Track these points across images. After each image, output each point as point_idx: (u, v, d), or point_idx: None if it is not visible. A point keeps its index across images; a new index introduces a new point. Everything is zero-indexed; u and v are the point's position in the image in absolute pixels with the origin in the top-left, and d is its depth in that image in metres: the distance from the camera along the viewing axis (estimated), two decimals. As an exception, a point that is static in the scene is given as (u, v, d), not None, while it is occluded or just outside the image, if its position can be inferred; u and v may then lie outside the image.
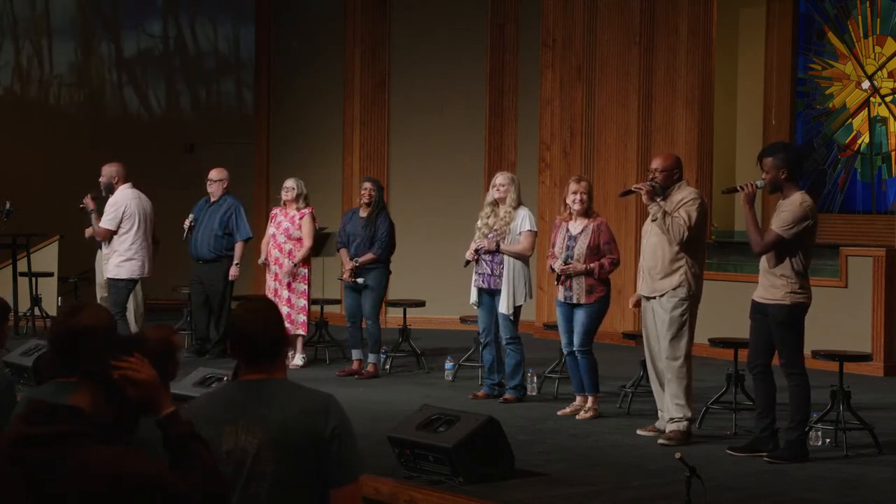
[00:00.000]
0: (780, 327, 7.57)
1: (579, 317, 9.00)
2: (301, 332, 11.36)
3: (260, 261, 11.62)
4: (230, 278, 11.71)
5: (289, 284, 11.23)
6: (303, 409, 3.58)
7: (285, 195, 11.36)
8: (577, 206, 9.06)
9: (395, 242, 11.06)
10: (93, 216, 11.25)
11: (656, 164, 8.30)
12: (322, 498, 3.55)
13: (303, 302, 11.30)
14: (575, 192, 9.06)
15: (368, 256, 10.80)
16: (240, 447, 3.54)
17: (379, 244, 10.82)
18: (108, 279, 11.20)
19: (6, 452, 3.05)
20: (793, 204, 7.57)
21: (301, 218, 11.28)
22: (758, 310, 7.71)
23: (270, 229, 11.41)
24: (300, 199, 11.35)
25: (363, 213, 10.98)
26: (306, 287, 11.31)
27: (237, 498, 3.53)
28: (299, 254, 11.24)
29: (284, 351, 3.72)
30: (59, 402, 3.21)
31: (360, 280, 10.78)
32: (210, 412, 3.64)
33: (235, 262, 11.71)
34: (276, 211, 11.50)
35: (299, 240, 11.27)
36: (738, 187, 7.80)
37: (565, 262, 9.03)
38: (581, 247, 8.98)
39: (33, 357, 9.15)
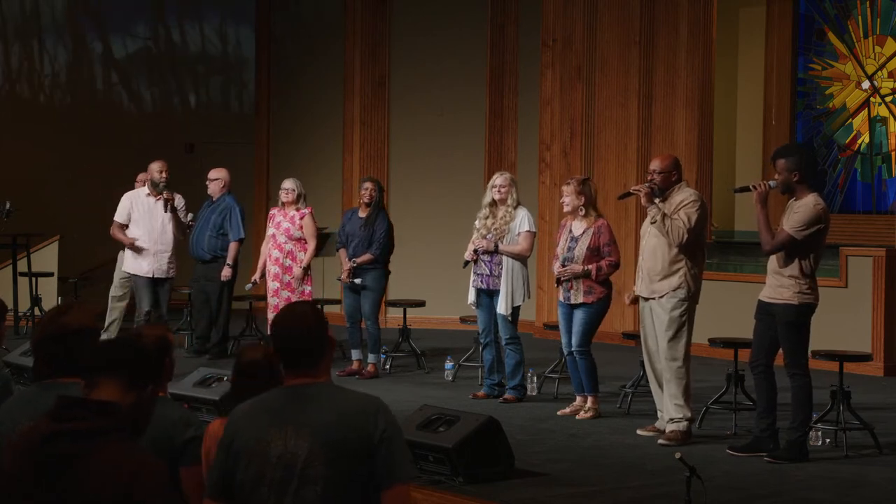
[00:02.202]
0: (786, 327, 7.57)
1: (577, 317, 9.00)
2: None
3: (247, 287, 11.62)
4: (222, 279, 11.69)
5: (289, 284, 11.21)
6: (353, 411, 3.56)
7: (284, 197, 11.29)
8: (565, 209, 9.16)
9: (394, 243, 11.06)
10: (173, 213, 11.29)
11: (654, 165, 8.30)
12: (373, 500, 3.53)
13: None
14: (562, 195, 9.16)
15: (366, 257, 10.80)
16: (289, 451, 3.52)
17: (377, 245, 10.82)
18: (171, 278, 11.35)
19: (34, 450, 3.05)
20: (806, 206, 7.57)
21: (301, 218, 11.25)
22: (764, 310, 7.71)
23: (270, 230, 11.39)
24: (300, 200, 11.34)
25: (362, 214, 10.98)
26: (309, 287, 11.28)
27: (289, 502, 3.51)
28: (307, 256, 11.21)
29: (328, 354, 3.70)
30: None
31: (357, 280, 10.78)
32: (254, 418, 3.62)
33: (228, 262, 11.68)
34: (273, 211, 11.46)
35: (300, 240, 11.24)
36: (752, 186, 7.79)
37: (563, 264, 9.05)
38: (581, 248, 8.99)
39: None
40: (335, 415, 3.55)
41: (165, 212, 11.27)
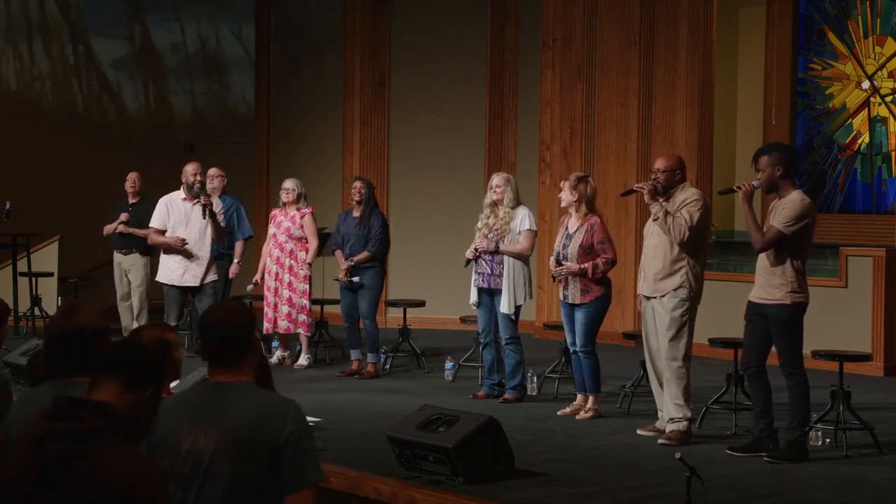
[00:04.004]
0: (780, 327, 7.57)
1: (578, 317, 9.00)
2: (303, 331, 11.38)
3: (249, 288, 11.59)
4: (230, 276, 11.71)
5: (290, 284, 11.24)
6: (261, 413, 3.60)
7: (285, 197, 11.34)
8: (561, 205, 9.20)
9: (390, 240, 11.10)
10: (212, 219, 10.64)
11: (659, 164, 8.30)
12: (276, 502, 3.56)
13: (304, 301, 11.31)
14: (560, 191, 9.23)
15: (364, 255, 10.81)
16: (198, 447, 3.57)
17: (374, 242, 10.85)
18: (209, 283, 10.72)
19: (33, 450, 3.05)
20: (793, 201, 7.58)
21: (302, 217, 11.29)
22: (755, 310, 7.71)
23: (271, 230, 11.42)
24: (300, 199, 11.37)
25: (356, 213, 11.01)
26: (307, 286, 11.31)
27: (193, 498, 3.55)
28: (309, 255, 11.23)
29: (252, 354, 3.73)
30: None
31: (356, 279, 10.79)
32: (173, 411, 3.67)
33: (236, 260, 11.70)
34: (275, 212, 11.51)
35: (300, 239, 11.27)
36: (735, 187, 7.82)
37: (557, 261, 9.05)
38: (574, 245, 8.99)
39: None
40: (246, 414, 3.58)
41: (204, 218, 10.58)
